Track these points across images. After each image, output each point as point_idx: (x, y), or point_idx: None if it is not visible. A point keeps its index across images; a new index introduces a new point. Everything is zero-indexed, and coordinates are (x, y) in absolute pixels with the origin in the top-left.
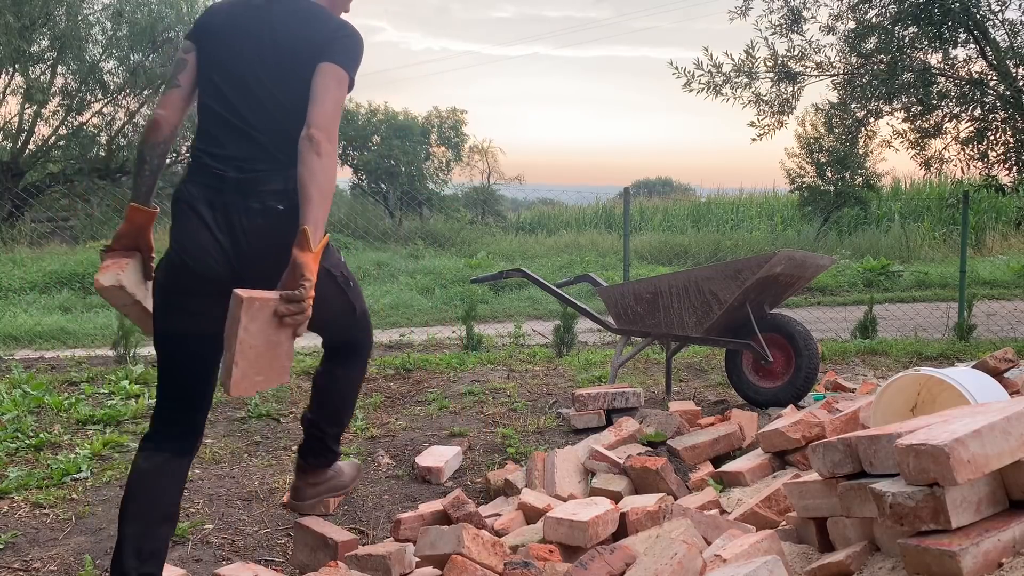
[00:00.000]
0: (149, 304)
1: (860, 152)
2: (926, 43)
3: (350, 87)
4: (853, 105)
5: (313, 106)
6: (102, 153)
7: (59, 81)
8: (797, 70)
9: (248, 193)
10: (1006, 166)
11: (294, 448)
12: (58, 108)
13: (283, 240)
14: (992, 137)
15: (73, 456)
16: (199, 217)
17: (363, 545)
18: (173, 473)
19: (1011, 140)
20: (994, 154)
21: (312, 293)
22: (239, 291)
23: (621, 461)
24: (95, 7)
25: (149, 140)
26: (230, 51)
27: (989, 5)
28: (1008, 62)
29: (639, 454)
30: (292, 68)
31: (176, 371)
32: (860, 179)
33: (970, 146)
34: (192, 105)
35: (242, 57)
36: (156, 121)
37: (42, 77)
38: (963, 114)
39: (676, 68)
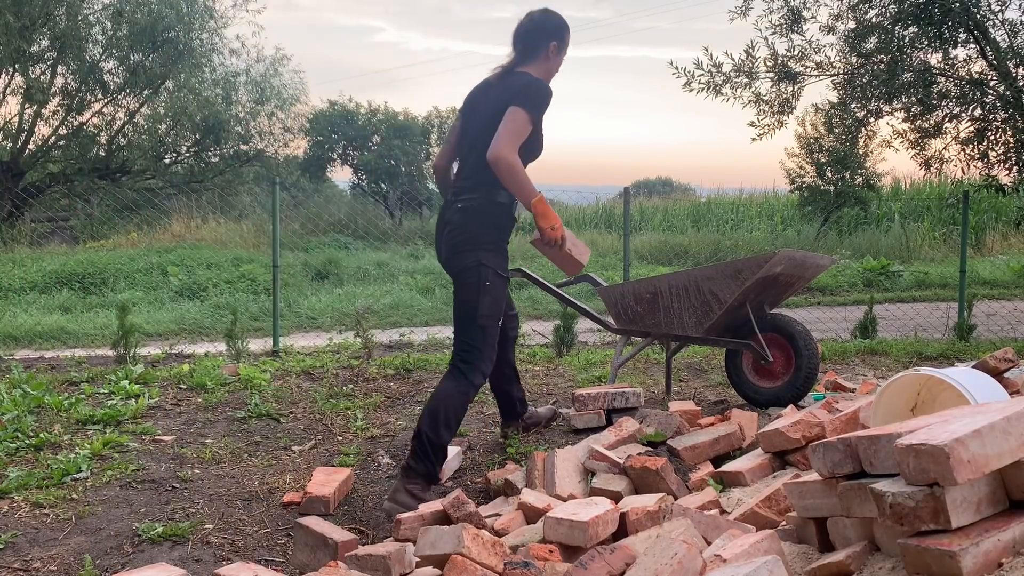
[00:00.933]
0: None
1: (860, 152)
2: (926, 43)
3: (533, 119)
4: (853, 105)
5: (494, 137)
6: (102, 153)
7: (59, 81)
8: (797, 70)
9: (456, 199)
10: (1006, 166)
11: (294, 448)
12: (58, 108)
13: (453, 229)
14: (992, 137)
15: (73, 456)
16: (439, 221)
17: (363, 545)
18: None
19: (1011, 140)
20: (994, 154)
21: (551, 230)
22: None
23: (621, 461)
24: (95, 7)
25: (435, 180)
26: (470, 117)
27: (989, 5)
28: (1008, 62)
29: (639, 454)
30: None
31: None
32: (860, 179)
33: (970, 146)
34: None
35: (474, 121)
36: (434, 166)
37: (42, 77)
38: (963, 114)
39: (676, 68)
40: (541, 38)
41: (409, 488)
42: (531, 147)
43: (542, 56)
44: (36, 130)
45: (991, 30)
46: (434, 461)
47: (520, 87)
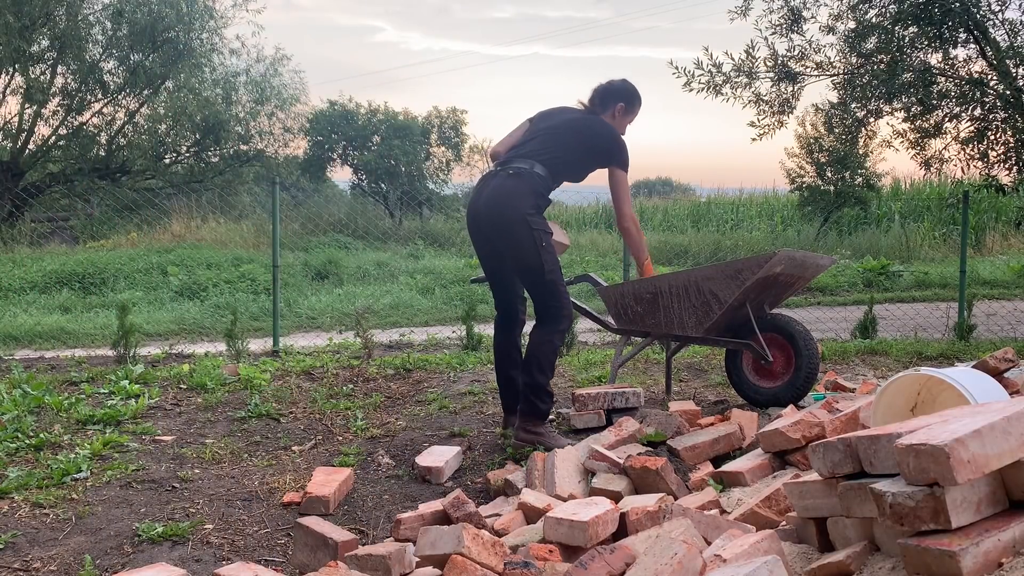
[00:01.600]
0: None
1: (860, 152)
2: (926, 43)
3: (626, 171)
4: (853, 105)
5: (616, 203)
6: (102, 153)
7: (59, 81)
8: (797, 70)
9: (504, 168)
10: (1006, 166)
11: (294, 448)
12: (58, 108)
13: (496, 188)
14: (992, 137)
15: (73, 456)
16: (480, 187)
17: (363, 545)
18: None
19: (1011, 140)
20: (994, 154)
21: (648, 268)
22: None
23: (621, 461)
24: (95, 7)
25: (492, 163)
26: (540, 121)
27: (989, 5)
28: (1008, 62)
29: (639, 454)
30: (566, 134)
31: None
32: (860, 179)
33: (970, 146)
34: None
35: (545, 123)
36: (492, 151)
37: (42, 77)
38: (963, 114)
39: (676, 68)
40: (613, 98)
41: (526, 427)
42: (578, 172)
43: (609, 113)
44: (36, 130)
45: (991, 30)
46: (539, 400)
47: (611, 143)
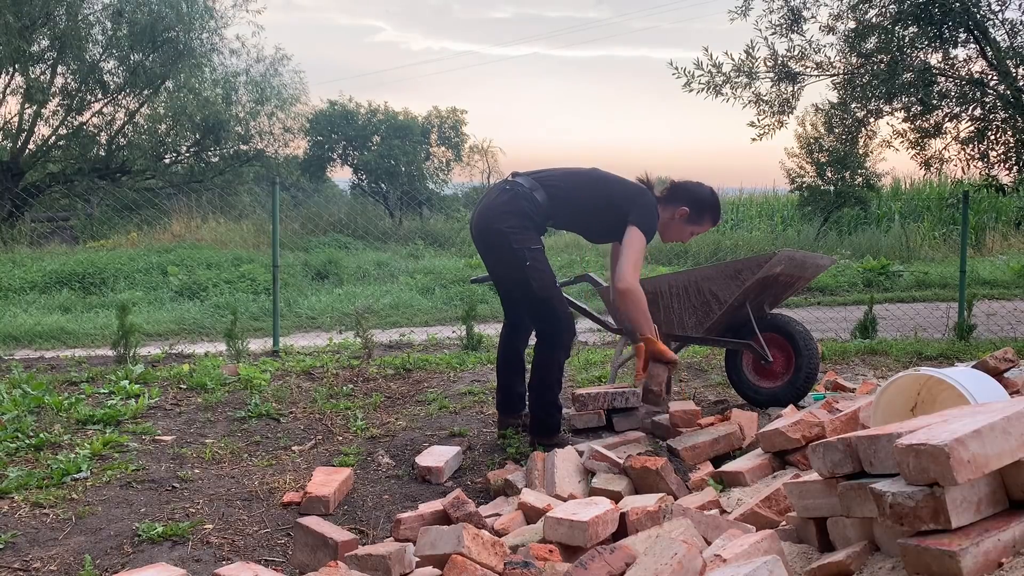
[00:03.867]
0: None
1: (860, 152)
2: (926, 43)
3: (648, 239)
4: (853, 105)
5: (620, 260)
6: (102, 153)
7: (59, 81)
8: (797, 70)
9: (507, 183)
10: (1006, 166)
11: (294, 448)
12: (58, 108)
13: (488, 202)
14: (992, 137)
15: (73, 456)
16: (482, 198)
17: (363, 545)
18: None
19: (1011, 140)
20: (994, 154)
21: (658, 353)
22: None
23: (621, 461)
24: (95, 7)
25: None
26: (589, 171)
27: (989, 5)
28: (1008, 62)
29: (639, 454)
30: (587, 176)
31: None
32: (860, 179)
33: (970, 146)
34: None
35: (587, 171)
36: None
37: (42, 77)
38: (963, 114)
39: (676, 68)
40: (681, 197)
41: (544, 443)
42: (587, 222)
43: (671, 207)
44: (36, 130)
45: (991, 30)
46: (548, 416)
47: (641, 204)
